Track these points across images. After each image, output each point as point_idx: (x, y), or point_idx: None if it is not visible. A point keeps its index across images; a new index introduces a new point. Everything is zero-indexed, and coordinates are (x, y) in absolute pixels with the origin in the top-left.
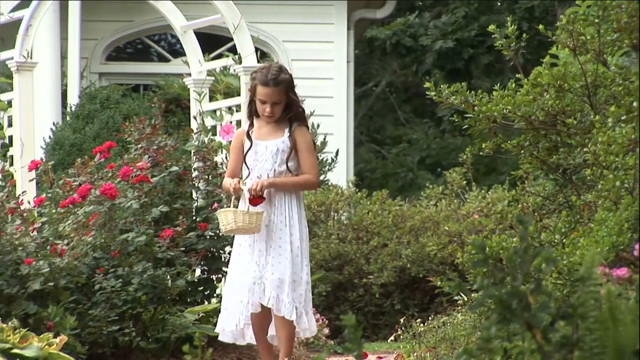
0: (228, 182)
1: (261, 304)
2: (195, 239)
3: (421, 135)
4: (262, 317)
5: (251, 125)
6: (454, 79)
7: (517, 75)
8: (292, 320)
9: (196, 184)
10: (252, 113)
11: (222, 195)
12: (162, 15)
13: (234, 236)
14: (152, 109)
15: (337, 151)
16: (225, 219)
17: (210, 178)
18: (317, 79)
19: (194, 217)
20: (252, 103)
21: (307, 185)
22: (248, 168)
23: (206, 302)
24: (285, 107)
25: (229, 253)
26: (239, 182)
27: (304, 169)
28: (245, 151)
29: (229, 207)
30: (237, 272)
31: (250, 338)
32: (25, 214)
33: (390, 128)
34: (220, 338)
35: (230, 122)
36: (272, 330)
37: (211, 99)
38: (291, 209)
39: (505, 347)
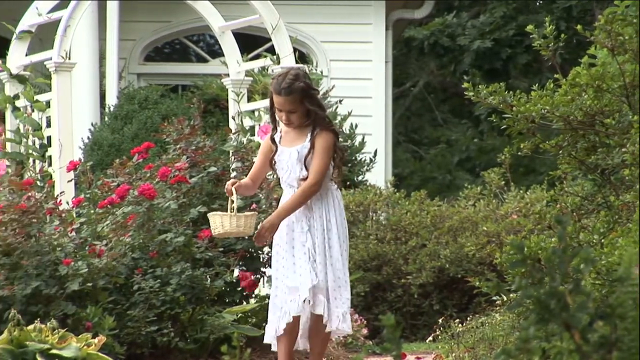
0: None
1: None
2: (234, 240)
3: (459, 136)
4: (292, 326)
5: (275, 129)
6: (492, 79)
7: (556, 76)
8: (326, 327)
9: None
10: (276, 118)
11: (260, 195)
12: (201, 15)
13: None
14: (191, 109)
15: (376, 151)
16: (214, 222)
17: None
18: (355, 79)
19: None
20: (272, 109)
21: (306, 193)
22: (279, 177)
23: (244, 303)
24: (305, 113)
25: (267, 253)
26: (232, 184)
27: (310, 171)
28: (271, 156)
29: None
30: (280, 279)
31: (302, 345)
32: (63, 215)
33: (428, 128)
34: (274, 348)
35: (268, 123)
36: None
37: (249, 99)
38: (329, 212)
39: (544, 347)
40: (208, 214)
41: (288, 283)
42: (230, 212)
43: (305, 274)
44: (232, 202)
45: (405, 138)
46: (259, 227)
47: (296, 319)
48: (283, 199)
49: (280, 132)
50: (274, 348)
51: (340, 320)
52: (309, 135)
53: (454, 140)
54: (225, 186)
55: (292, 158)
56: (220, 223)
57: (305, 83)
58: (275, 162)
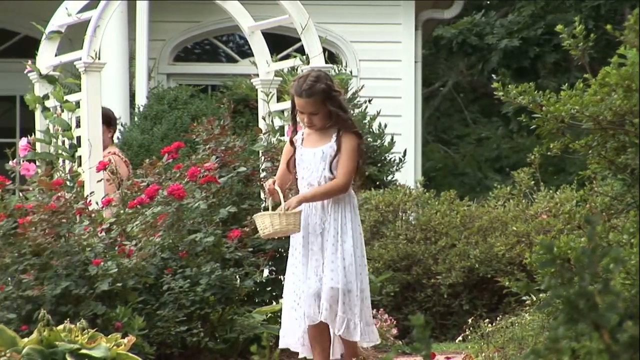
0: (266, 184)
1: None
2: (263, 239)
3: (489, 136)
4: (320, 330)
5: (295, 132)
6: (520, 77)
7: (585, 75)
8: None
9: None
10: (297, 120)
11: (290, 195)
12: (230, 15)
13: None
14: (220, 109)
15: (405, 151)
16: (262, 223)
17: None
18: (385, 79)
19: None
20: (294, 111)
21: (334, 191)
22: (299, 178)
23: (274, 303)
24: (327, 115)
25: None
26: (273, 183)
27: (337, 172)
28: (291, 157)
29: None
30: (294, 283)
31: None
32: (93, 215)
33: (458, 128)
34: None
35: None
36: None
37: (279, 99)
38: (344, 216)
39: (573, 347)
40: (254, 216)
41: (304, 288)
42: (277, 210)
43: (312, 278)
44: (279, 200)
45: (435, 138)
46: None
47: (318, 325)
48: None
49: (302, 134)
50: (292, 348)
51: (346, 326)
52: (333, 136)
53: (483, 139)
54: (264, 186)
55: (317, 157)
56: (270, 223)
57: (327, 85)
58: (297, 162)
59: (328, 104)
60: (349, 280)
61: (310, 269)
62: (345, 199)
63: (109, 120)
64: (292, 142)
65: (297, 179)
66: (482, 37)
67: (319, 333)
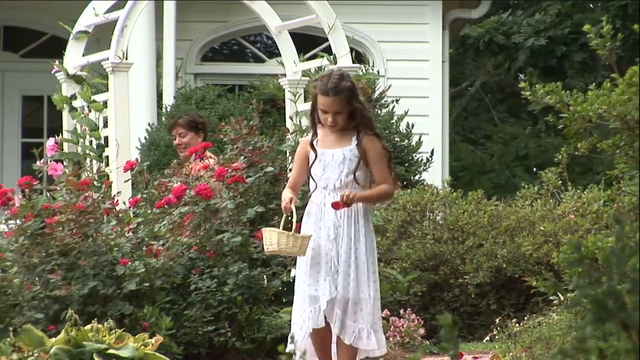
0: (283, 195)
1: (325, 320)
2: None
3: (516, 135)
4: (324, 334)
5: (315, 134)
6: (547, 77)
7: (612, 75)
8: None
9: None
10: (316, 122)
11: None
12: (257, 15)
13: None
14: (248, 109)
15: (432, 151)
16: (269, 238)
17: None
18: (412, 79)
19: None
20: (314, 112)
21: (386, 196)
22: (314, 181)
23: None
24: (349, 115)
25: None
26: (290, 202)
27: (378, 179)
28: (310, 163)
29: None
30: (302, 288)
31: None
32: (120, 215)
33: (486, 127)
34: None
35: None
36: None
37: (306, 99)
38: (357, 222)
39: (601, 347)
40: (263, 229)
41: (310, 292)
42: (287, 230)
43: (325, 285)
44: (290, 220)
45: (463, 137)
46: (349, 191)
47: (320, 329)
48: (315, 199)
49: (317, 135)
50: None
51: (356, 336)
52: (353, 138)
53: (510, 139)
54: (282, 200)
55: (336, 159)
56: (276, 241)
57: (352, 82)
58: (314, 164)
59: (354, 101)
60: (361, 289)
61: (323, 275)
62: (358, 204)
63: (195, 125)
64: (312, 145)
65: (310, 183)
66: (509, 37)
67: (321, 338)
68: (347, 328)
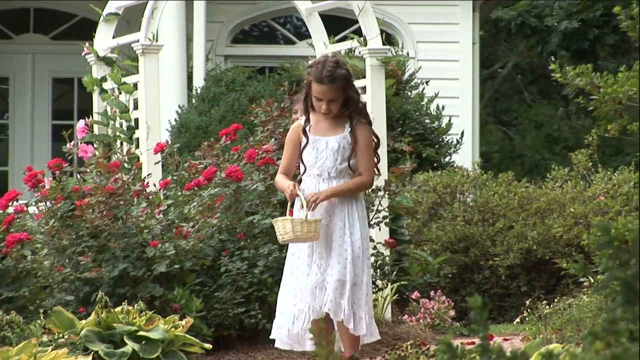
0: (283, 184)
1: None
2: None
3: (548, 117)
4: (327, 322)
5: (307, 120)
6: (579, 59)
7: None
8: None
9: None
10: (308, 107)
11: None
12: None
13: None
14: (278, 91)
15: (462, 133)
16: (283, 228)
17: None
18: (442, 60)
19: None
20: (307, 98)
21: (361, 188)
22: (304, 165)
23: None
24: (343, 102)
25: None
26: (294, 187)
27: (360, 167)
28: (302, 147)
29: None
30: (294, 275)
31: (311, 346)
32: (150, 197)
33: (517, 109)
34: (276, 345)
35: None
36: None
37: None
38: (351, 208)
39: (631, 329)
40: (273, 220)
41: (299, 283)
42: (300, 216)
43: (315, 271)
44: (302, 206)
45: (494, 119)
46: (312, 193)
47: (322, 319)
48: (307, 186)
49: (309, 122)
50: (277, 344)
51: (352, 319)
52: (346, 125)
53: (542, 121)
54: (280, 185)
55: (330, 147)
56: (291, 229)
57: (347, 69)
58: (306, 151)
59: (349, 89)
60: (356, 273)
61: (313, 264)
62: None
63: None
64: (305, 132)
65: (300, 167)
66: (541, 19)
67: (324, 326)
68: (345, 309)
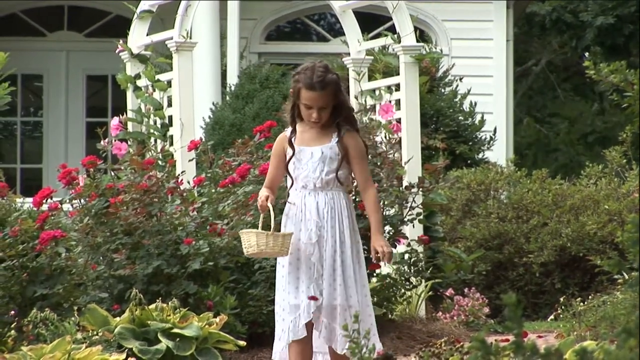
0: (259, 193)
1: (306, 330)
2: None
3: (582, 114)
4: (303, 346)
5: (294, 131)
6: (614, 55)
7: None
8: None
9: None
10: (295, 117)
11: (381, 174)
12: None
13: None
14: None
15: (495, 129)
16: (248, 241)
17: (370, 157)
18: (476, 57)
19: (354, 198)
20: (295, 107)
21: (378, 202)
22: (292, 177)
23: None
24: (333, 110)
25: (388, 232)
26: (266, 200)
27: (360, 180)
28: (287, 159)
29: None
30: (286, 291)
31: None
32: (184, 194)
33: (551, 106)
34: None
35: (390, 101)
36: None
37: (370, 78)
38: (342, 222)
39: None
40: (240, 231)
41: (290, 300)
42: (267, 230)
43: (308, 292)
44: (272, 219)
45: (528, 116)
46: (381, 251)
47: (301, 341)
48: (294, 199)
49: (293, 132)
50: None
51: (345, 346)
52: (334, 135)
53: (576, 117)
54: (258, 200)
55: (315, 157)
56: (255, 242)
57: (337, 74)
58: (292, 161)
59: (340, 95)
60: (349, 294)
61: (305, 281)
62: (340, 201)
63: None
64: (290, 143)
65: (287, 180)
66: (576, 15)
67: (301, 350)
68: (338, 336)
